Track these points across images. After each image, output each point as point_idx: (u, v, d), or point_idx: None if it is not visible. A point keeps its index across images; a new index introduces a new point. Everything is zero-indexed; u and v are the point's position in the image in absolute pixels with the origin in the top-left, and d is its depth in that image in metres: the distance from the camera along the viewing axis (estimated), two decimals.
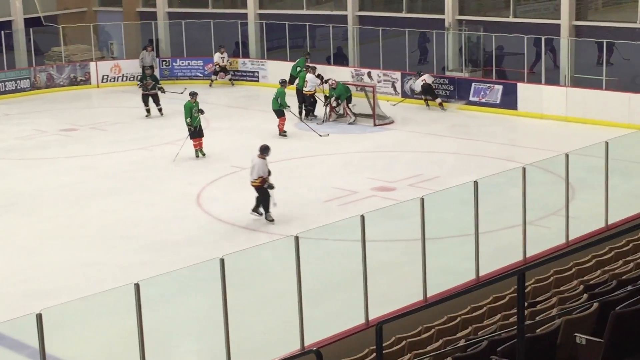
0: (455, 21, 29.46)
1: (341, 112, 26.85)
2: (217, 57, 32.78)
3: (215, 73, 32.78)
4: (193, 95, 23.01)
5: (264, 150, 17.91)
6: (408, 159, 22.80)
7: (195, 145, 22.88)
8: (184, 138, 22.84)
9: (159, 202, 19.59)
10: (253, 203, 17.85)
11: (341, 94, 26.57)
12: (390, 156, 23.27)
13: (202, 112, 22.86)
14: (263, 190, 17.75)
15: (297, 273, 10.91)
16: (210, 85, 32.29)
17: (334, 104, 26.69)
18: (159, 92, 27.85)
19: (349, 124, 26.41)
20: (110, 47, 36.10)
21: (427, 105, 28.03)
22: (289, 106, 24.85)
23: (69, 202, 19.75)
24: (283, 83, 25.50)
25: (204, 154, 22.95)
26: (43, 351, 9.16)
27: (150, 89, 27.77)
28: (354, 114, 26.62)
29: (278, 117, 24.90)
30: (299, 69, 28.71)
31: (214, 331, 10.89)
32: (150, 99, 27.90)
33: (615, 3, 28.29)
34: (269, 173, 17.72)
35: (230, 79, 32.94)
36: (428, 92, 27.83)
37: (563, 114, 25.83)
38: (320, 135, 24.65)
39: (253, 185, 17.84)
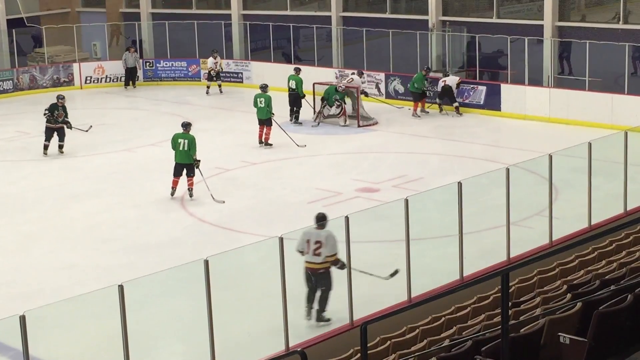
0: (438, 22, 29.52)
1: (332, 112, 26.67)
2: (210, 62, 31.68)
3: (210, 79, 31.72)
4: (187, 126, 19.80)
5: None
6: (392, 160, 22.83)
7: (174, 183, 19.57)
8: (201, 177, 19.66)
9: (143, 203, 19.54)
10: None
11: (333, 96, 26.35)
12: (374, 157, 23.29)
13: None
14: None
15: (282, 274, 10.91)
16: (207, 93, 31.54)
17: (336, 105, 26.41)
18: (66, 127, 23.82)
19: (343, 125, 26.24)
20: (94, 48, 35.99)
21: (440, 110, 27.35)
22: (273, 113, 23.89)
23: (52, 204, 19.68)
24: (266, 87, 24.40)
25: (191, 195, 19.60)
26: (27, 353, 9.12)
27: (59, 121, 23.68)
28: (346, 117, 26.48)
29: (266, 126, 23.83)
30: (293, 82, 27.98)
31: (198, 332, 10.87)
32: (55, 133, 23.77)
33: (597, 4, 28.39)
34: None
35: (219, 85, 31.78)
36: (446, 95, 27.09)
37: (546, 114, 25.92)
38: (298, 146, 23.83)
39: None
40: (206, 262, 10.22)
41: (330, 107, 26.41)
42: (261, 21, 33.21)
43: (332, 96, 26.33)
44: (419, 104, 27.57)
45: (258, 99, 24.08)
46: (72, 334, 12.83)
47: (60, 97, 24.11)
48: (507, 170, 13.31)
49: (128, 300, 9.73)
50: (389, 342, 10.26)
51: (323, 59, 31.55)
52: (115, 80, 33.79)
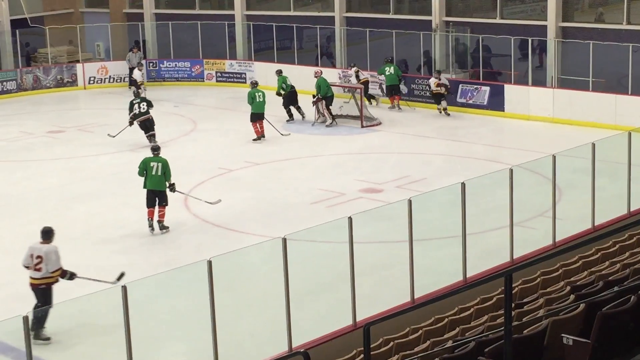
0: (442, 22, 29.50)
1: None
2: (137, 74, 30.39)
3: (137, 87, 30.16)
4: (157, 149, 18.18)
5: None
6: (396, 160, 22.81)
7: (150, 214, 17.74)
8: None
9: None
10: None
11: (319, 88, 26.41)
12: (377, 158, 23.27)
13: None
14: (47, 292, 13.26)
15: (285, 275, 10.90)
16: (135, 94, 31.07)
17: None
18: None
19: (327, 126, 26.31)
20: (97, 48, 36.03)
21: (440, 112, 27.29)
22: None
23: (55, 204, 19.68)
24: (256, 84, 25.30)
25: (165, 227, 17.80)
26: (30, 354, 9.13)
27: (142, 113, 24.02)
28: (333, 116, 26.50)
29: (260, 120, 24.61)
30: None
31: (201, 333, 10.87)
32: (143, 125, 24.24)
33: (601, 4, 28.35)
34: None
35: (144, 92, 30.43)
36: (439, 98, 27.14)
37: (550, 115, 25.90)
38: (282, 135, 24.55)
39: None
40: (209, 263, 10.21)
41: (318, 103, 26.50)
42: (264, 21, 33.22)
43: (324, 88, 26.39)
44: (396, 98, 28.07)
45: (256, 94, 24.29)
46: (74, 334, 12.82)
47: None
48: (511, 170, 13.29)
49: (131, 301, 9.72)
50: (392, 343, 10.25)
51: (326, 60, 31.55)
52: (118, 80, 33.81)
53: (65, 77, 33.29)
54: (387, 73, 28.41)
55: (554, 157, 13.95)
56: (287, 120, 26.71)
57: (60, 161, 23.45)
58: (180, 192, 18.12)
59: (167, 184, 17.57)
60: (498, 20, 28.74)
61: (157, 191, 17.51)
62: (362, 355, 9.90)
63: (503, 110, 26.91)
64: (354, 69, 29.40)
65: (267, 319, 12.93)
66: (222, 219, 18.20)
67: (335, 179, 20.83)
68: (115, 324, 9.98)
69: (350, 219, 11.44)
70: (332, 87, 26.94)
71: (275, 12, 33.98)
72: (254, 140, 24.45)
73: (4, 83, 32.38)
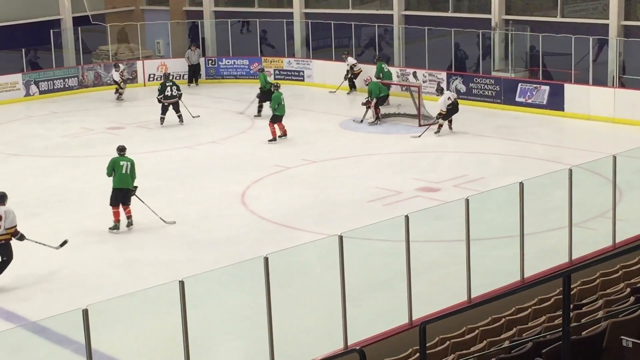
0: (501, 21, 29.28)
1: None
2: (116, 75, 31.58)
3: (119, 90, 31.45)
4: (123, 150, 18.43)
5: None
6: (453, 159, 22.69)
7: (116, 215, 18.03)
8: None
9: (203, 200, 19.69)
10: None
11: (370, 93, 26.47)
12: (434, 156, 23.18)
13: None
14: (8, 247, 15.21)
15: (341, 272, 10.90)
16: (118, 99, 31.47)
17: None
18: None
19: (370, 124, 26.22)
20: (157, 45, 36.38)
21: (451, 128, 25.20)
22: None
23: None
24: (277, 87, 25.29)
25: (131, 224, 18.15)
26: (89, 346, 9.24)
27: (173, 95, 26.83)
28: (378, 116, 26.40)
29: (280, 122, 24.63)
30: None
31: (257, 329, 10.91)
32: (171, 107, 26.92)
33: None
34: None
35: (119, 95, 31.56)
36: (452, 113, 24.96)
37: (611, 115, 25.56)
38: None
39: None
40: (266, 260, 10.25)
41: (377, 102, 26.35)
42: (323, 19, 33.26)
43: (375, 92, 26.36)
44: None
45: (282, 97, 24.40)
46: (133, 328, 12.97)
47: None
48: (570, 171, 13.14)
49: (188, 296, 9.80)
50: (448, 342, 10.20)
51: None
52: (177, 77, 34.09)
53: (126, 74, 33.65)
54: (385, 70, 28.86)
55: (615, 157, 13.76)
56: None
57: None
58: (138, 199, 18.10)
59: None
60: (558, 19, 28.44)
61: (125, 189, 17.93)
62: (417, 354, 9.87)
63: (563, 110, 26.62)
64: (350, 58, 30.40)
65: (322, 316, 12.95)
66: (279, 216, 18.27)
67: (391, 178, 20.79)
68: (173, 318, 10.05)
69: (407, 217, 11.40)
70: (391, 87, 26.96)
71: (334, 10, 34.01)
72: (269, 141, 24.40)
73: (66, 80, 32.85)
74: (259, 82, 28.22)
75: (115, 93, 31.56)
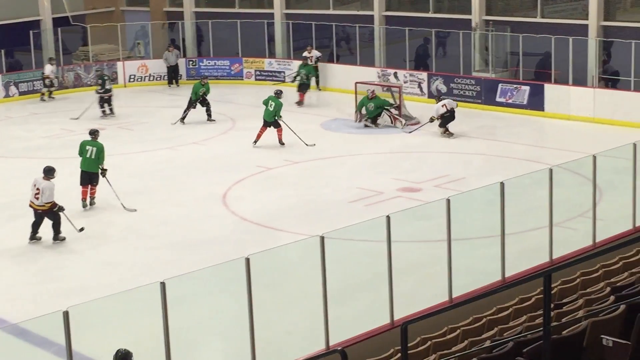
0: (482, 21, 29.37)
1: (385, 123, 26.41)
2: (48, 69, 31.73)
3: (46, 86, 31.77)
4: (94, 133, 19.81)
5: (49, 172, 17.15)
6: (434, 159, 22.74)
7: (84, 193, 19.38)
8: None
9: (185, 201, 19.65)
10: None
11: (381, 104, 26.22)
12: (416, 157, 23.22)
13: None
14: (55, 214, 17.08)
15: (323, 273, 10.91)
16: (42, 100, 31.60)
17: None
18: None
19: (402, 128, 25.84)
20: (138, 46, 36.28)
21: (449, 133, 24.83)
22: (281, 116, 23.93)
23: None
24: (279, 94, 24.51)
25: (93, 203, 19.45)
26: (70, 348, 9.21)
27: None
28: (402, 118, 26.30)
29: (274, 127, 23.95)
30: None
31: (239, 330, 10.91)
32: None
33: None
34: None
35: (50, 92, 31.83)
36: (448, 120, 24.70)
37: (591, 115, 25.69)
38: (307, 145, 23.75)
39: (42, 210, 17.03)
40: (247, 260, 10.25)
41: (374, 118, 26.02)
42: (303, 20, 33.26)
43: (368, 106, 26.00)
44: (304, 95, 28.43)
45: (270, 101, 24.12)
46: (114, 330, 12.93)
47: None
48: (550, 170, 13.20)
49: (170, 298, 9.78)
50: (429, 342, 10.22)
51: (365, 59, 31.54)
52: (158, 78, 34.04)
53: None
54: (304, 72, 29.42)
55: (595, 157, 13.84)
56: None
57: None
58: (107, 181, 19.09)
59: (101, 168, 19.14)
60: (538, 19, 28.55)
61: (90, 172, 19.22)
62: (399, 354, 9.89)
63: (543, 110, 26.73)
64: (313, 51, 30.77)
65: (304, 317, 12.95)
66: (261, 217, 18.26)
67: (373, 178, 20.81)
68: (154, 320, 10.04)
69: (388, 217, 11.43)
70: (371, 85, 27.01)
71: (315, 10, 34.01)
72: (281, 144, 24.06)
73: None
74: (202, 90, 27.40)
75: (45, 88, 31.66)
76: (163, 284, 9.74)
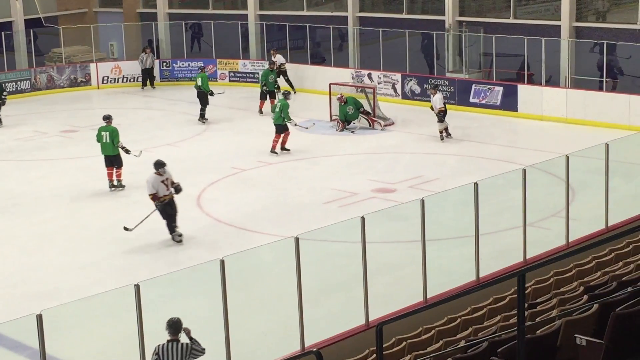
0: (455, 22, 29.46)
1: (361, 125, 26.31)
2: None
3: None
4: (108, 118, 20.77)
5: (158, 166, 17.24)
6: (408, 160, 22.79)
7: (109, 175, 20.54)
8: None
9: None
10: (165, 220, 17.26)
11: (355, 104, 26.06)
12: (390, 158, 23.25)
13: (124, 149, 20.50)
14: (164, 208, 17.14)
15: (297, 274, 10.91)
16: None
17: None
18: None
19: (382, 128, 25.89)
20: (111, 48, 36.12)
21: (449, 135, 24.42)
22: (291, 119, 23.23)
23: (69, 204, 19.75)
24: (287, 95, 23.95)
25: (121, 186, 20.62)
26: (43, 352, 9.16)
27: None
28: (382, 118, 26.31)
29: (281, 132, 23.11)
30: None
31: (214, 332, 10.89)
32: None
33: (615, 4, 28.27)
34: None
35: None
36: (444, 116, 24.19)
37: (563, 115, 25.83)
38: (307, 128, 24.35)
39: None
40: (222, 262, 10.23)
41: (350, 122, 25.93)
42: (277, 21, 33.24)
43: (347, 111, 25.87)
44: (264, 103, 28.01)
45: (277, 103, 23.96)
46: (88, 333, 12.87)
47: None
48: (524, 171, 13.27)
49: (144, 300, 9.75)
50: (404, 343, 10.25)
51: (339, 60, 31.55)
52: (132, 80, 33.89)
53: (79, 76, 33.37)
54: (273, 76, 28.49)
55: (567, 157, 13.92)
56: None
57: (74, 160, 23.52)
58: (131, 152, 20.32)
59: (120, 147, 20.21)
60: (511, 20, 28.68)
61: (109, 156, 20.30)
62: (374, 355, 9.91)
63: (516, 111, 26.84)
64: (278, 56, 30.43)
65: (279, 319, 12.94)
66: (235, 219, 18.23)
67: (348, 179, 20.83)
68: (129, 322, 10.00)
69: (362, 218, 11.44)
70: (344, 87, 27.01)
71: (288, 12, 33.99)
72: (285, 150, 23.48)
73: (18, 83, 32.47)
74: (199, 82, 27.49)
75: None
76: (137, 287, 9.71)
